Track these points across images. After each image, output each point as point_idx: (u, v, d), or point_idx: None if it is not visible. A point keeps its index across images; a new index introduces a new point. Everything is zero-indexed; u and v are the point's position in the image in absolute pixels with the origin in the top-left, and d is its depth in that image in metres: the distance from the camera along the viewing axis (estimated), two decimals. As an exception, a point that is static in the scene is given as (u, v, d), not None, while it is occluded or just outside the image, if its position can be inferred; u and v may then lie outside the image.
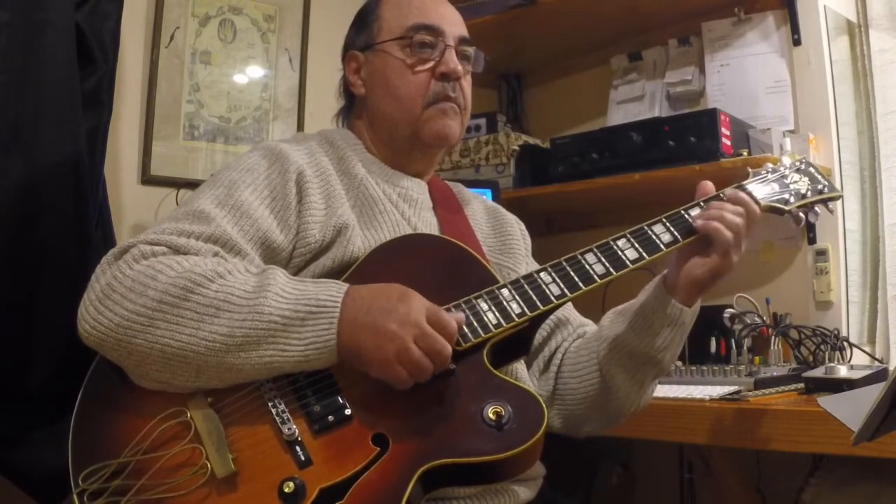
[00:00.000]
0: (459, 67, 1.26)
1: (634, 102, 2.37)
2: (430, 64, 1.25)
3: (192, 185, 1.90)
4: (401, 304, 1.00)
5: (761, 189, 1.24)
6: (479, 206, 1.42)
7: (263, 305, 0.98)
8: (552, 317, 1.30)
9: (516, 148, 2.32)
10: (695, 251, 1.15)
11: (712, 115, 1.94)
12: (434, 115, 1.25)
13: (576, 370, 1.27)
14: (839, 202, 1.94)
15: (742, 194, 1.17)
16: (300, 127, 2.31)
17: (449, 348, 0.99)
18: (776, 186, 1.25)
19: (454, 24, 1.29)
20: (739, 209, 1.14)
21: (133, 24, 1.99)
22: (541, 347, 1.32)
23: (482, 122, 2.41)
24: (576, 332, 1.33)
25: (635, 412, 1.26)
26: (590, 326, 1.34)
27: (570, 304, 1.32)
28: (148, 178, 2.05)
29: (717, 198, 1.19)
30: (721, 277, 1.15)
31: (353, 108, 1.35)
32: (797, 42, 2.06)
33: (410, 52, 1.25)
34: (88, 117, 1.63)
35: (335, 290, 1.02)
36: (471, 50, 1.31)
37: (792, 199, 1.25)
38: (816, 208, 1.27)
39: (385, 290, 1.03)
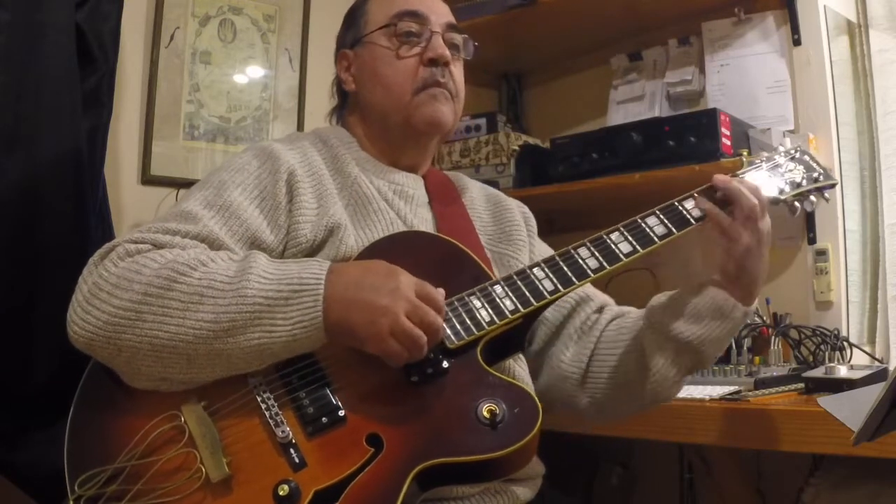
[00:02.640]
0: (447, 52, 1.26)
1: (634, 102, 2.36)
2: (417, 50, 1.25)
3: (192, 185, 1.90)
4: (389, 280, 1.00)
5: (756, 178, 1.23)
6: (478, 193, 1.41)
7: (246, 288, 0.98)
8: (572, 298, 1.29)
9: (516, 148, 2.31)
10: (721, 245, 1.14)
11: (712, 115, 1.93)
12: (424, 101, 1.25)
13: (614, 351, 1.24)
14: (839, 200, 1.96)
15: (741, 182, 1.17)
16: (300, 127, 2.31)
17: (440, 320, 1.00)
18: (771, 175, 1.25)
19: (440, 13, 1.29)
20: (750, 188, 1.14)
21: (133, 24, 1.99)
22: (565, 323, 1.29)
23: (482, 122, 2.40)
24: (608, 309, 1.30)
25: (667, 400, 1.24)
26: (615, 306, 1.32)
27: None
28: (148, 178, 2.05)
29: (710, 189, 1.18)
30: (748, 263, 1.13)
31: (346, 106, 1.36)
32: (797, 42, 2.05)
33: (396, 41, 1.26)
34: (88, 117, 1.64)
35: (317, 267, 1.02)
36: (459, 37, 1.31)
37: (787, 188, 1.24)
38: (812, 197, 1.26)
39: (371, 266, 1.04)
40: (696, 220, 1.17)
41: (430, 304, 1.00)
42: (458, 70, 1.30)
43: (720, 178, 1.18)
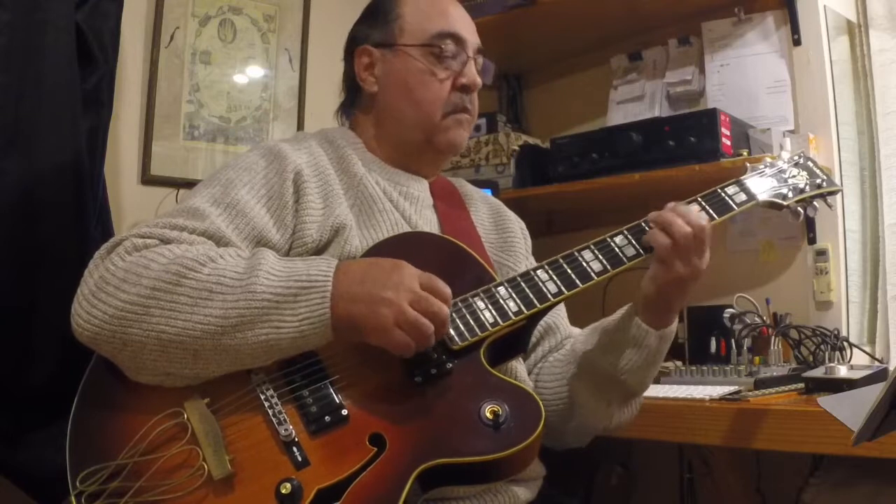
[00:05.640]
0: (479, 81, 1.28)
1: (634, 102, 2.36)
2: (452, 74, 1.26)
3: (192, 185, 1.89)
4: (394, 273, 1.01)
5: (759, 184, 1.24)
6: (482, 202, 1.42)
7: (255, 285, 0.99)
8: (540, 325, 1.29)
9: (516, 148, 2.31)
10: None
11: (712, 115, 1.93)
12: (451, 125, 1.27)
13: (549, 383, 1.26)
14: (839, 200, 1.96)
15: (691, 208, 1.14)
16: (300, 127, 2.31)
17: (446, 309, 1.00)
18: (774, 181, 1.25)
19: (473, 34, 1.31)
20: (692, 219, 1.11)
21: (133, 24, 1.99)
22: (527, 356, 1.31)
23: (482, 122, 2.40)
24: (560, 342, 1.32)
25: (606, 430, 1.25)
26: (574, 338, 1.33)
27: (562, 311, 1.33)
28: (148, 178, 2.05)
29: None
30: (671, 293, 1.12)
31: (356, 102, 1.35)
32: (797, 42, 2.05)
33: (435, 60, 1.26)
34: (88, 117, 1.64)
35: (325, 265, 1.02)
36: (484, 62, 1.32)
37: (790, 194, 1.25)
38: (815, 203, 1.27)
39: (377, 261, 1.04)
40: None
41: (437, 295, 1.00)
42: (476, 94, 1.31)
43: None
